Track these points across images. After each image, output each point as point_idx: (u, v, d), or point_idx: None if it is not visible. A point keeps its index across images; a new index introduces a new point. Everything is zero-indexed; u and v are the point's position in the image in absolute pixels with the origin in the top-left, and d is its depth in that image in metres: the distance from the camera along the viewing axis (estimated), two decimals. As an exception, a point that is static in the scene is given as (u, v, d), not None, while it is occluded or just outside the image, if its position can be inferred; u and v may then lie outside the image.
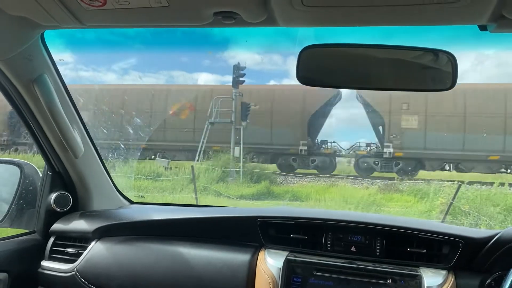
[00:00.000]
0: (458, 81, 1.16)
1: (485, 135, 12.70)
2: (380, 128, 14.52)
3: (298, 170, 14.03)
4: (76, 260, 1.71)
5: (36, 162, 2.04)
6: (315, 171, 13.89)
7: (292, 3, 1.04)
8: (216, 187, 10.88)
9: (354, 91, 14.07)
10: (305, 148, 14.08)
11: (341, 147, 15.44)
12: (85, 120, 1.82)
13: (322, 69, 1.24)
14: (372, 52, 1.22)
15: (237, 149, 13.79)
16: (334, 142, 15.43)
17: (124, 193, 2.11)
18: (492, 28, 1.10)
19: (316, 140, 15.25)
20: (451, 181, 9.73)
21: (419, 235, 1.47)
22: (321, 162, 14.19)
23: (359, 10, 1.09)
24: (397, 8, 1.06)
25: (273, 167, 14.14)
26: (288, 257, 1.50)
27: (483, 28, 1.14)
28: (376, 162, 13.81)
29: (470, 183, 9.97)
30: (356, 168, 14.24)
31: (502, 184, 9.87)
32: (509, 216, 7.82)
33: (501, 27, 1.08)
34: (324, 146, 15.30)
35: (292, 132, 14.32)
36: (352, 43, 1.20)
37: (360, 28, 1.24)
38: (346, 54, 1.23)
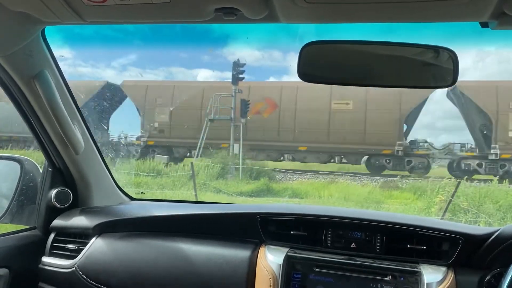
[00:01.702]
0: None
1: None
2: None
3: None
4: (77, 256, 1.71)
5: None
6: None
7: None
8: (215, 184, 10.88)
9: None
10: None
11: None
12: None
13: (323, 66, 1.24)
14: (373, 49, 1.22)
15: (236, 145, 13.86)
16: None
17: (124, 189, 2.11)
18: (494, 25, 1.10)
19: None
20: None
21: (419, 232, 1.48)
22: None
23: (360, 7, 1.09)
24: (399, 5, 1.06)
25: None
26: (288, 254, 1.51)
27: (484, 25, 1.14)
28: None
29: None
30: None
31: (501, 181, 9.96)
32: (508, 214, 7.84)
33: (503, 24, 1.08)
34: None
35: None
36: (353, 39, 1.20)
37: (361, 25, 1.24)
38: (347, 50, 1.23)
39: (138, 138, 16.01)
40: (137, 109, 16.30)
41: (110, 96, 15.86)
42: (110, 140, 15.45)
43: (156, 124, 15.48)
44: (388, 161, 14.32)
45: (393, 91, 13.27)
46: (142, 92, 15.80)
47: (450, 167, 14.40)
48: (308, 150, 14.79)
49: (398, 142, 14.12)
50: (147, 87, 16.02)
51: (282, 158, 15.31)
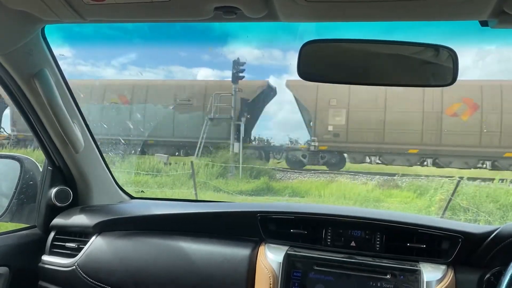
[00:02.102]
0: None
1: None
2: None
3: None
4: (77, 255, 1.71)
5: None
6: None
7: None
8: (215, 182, 10.89)
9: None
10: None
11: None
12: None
13: (323, 64, 1.24)
14: (373, 47, 1.22)
15: (236, 145, 13.85)
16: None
17: (124, 188, 2.12)
18: (493, 24, 1.10)
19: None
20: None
21: (419, 230, 1.48)
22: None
23: (360, 6, 1.09)
24: (398, 4, 1.06)
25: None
26: (288, 252, 1.51)
27: (484, 23, 1.13)
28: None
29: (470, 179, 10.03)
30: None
31: (502, 180, 9.96)
32: (508, 212, 7.84)
33: (502, 23, 1.08)
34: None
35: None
36: (353, 38, 1.20)
37: (361, 23, 1.24)
38: (347, 49, 1.23)
39: (305, 143, 14.95)
40: (301, 111, 15.22)
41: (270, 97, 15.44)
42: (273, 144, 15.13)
43: (330, 128, 14.08)
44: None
45: None
46: (312, 92, 14.21)
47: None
48: (418, 153, 13.39)
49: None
50: (318, 86, 13.88)
51: (483, 165, 13.28)
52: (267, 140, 15.67)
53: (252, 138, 15.59)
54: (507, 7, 1.01)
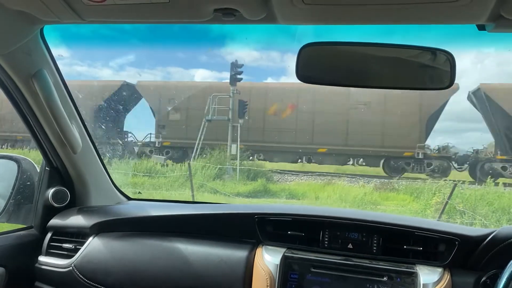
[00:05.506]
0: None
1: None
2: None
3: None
4: (74, 256, 1.71)
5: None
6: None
7: (293, 0, 1.04)
8: (212, 184, 10.87)
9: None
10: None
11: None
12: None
13: (322, 67, 1.25)
14: (371, 50, 1.22)
15: (233, 146, 13.85)
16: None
17: (121, 189, 2.11)
18: (491, 27, 1.11)
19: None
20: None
21: (416, 233, 1.48)
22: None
23: (358, 8, 1.09)
24: (396, 7, 1.07)
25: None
26: (285, 254, 1.51)
27: (481, 27, 1.14)
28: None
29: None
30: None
31: (496, 183, 10.04)
32: (503, 216, 7.87)
33: (500, 26, 1.09)
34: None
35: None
36: (351, 41, 1.20)
37: (360, 26, 1.25)
38: (345, 52, 1.24)
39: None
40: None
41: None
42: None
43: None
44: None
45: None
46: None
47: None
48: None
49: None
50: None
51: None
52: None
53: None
54: (504, 11, 1.02)
